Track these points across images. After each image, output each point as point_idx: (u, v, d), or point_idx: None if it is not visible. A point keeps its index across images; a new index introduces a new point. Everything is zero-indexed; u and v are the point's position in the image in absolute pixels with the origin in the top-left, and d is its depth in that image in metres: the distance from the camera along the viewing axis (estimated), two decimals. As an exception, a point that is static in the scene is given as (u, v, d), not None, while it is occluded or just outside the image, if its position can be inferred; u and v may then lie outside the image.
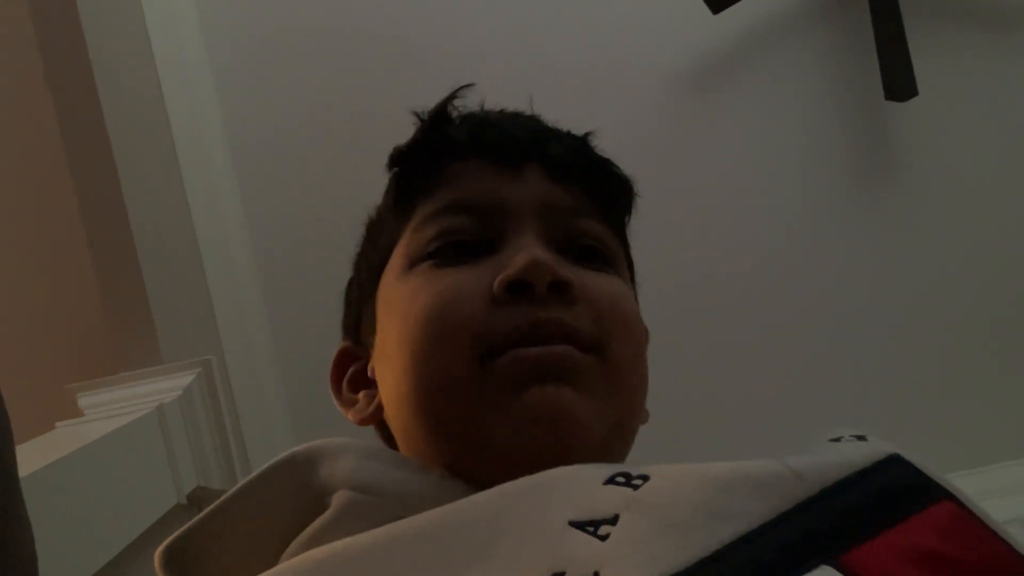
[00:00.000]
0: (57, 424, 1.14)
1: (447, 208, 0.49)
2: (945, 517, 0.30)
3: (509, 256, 0.45)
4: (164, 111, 1.31)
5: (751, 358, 1.48)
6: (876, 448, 0.33)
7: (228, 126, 1.50)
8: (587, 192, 0.51)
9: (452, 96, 0.52)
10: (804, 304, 1.49)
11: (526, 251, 0.44)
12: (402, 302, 0.47)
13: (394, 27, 1.51)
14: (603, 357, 0.44)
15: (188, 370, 1.24)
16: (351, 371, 0.55)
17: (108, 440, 0.98)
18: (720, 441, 1.45)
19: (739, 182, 1.51)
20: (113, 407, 1.16)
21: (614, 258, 0.51)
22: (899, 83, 1.43)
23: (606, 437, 0.44)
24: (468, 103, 0.53)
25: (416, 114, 0.53)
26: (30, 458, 0.82)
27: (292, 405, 1.44)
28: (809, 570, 0.28)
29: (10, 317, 1.47)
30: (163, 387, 1.20)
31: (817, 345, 1.49)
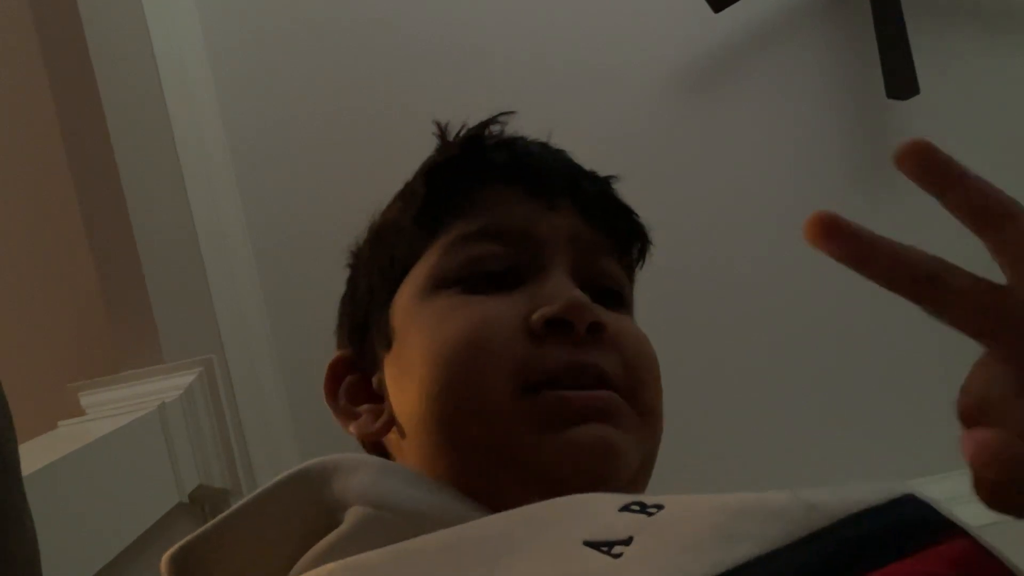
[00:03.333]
0: (59, 423, 1.14)
1: (480, 233, 0.49)
2: (960, 553, 0.30)
3: (545, 290, 0.46)
4: (165, 110, 1.31)
5: (748, 356, 1.48)
6: (891, 487, 0.33)
7: (228, 125, 1.50)
8: (610, 233, 0.52)
9: (492, 119, 0.53)
10: (803, 303, 1.49)
11: (565, 289, 0.46)
12: (431, 322, 0.47)
13: (394, 25, 1.51)
14: (633, 400, 0.46)
15: (189, 369, 1.24)
16: (348, 380, 0.54)
17: (110, 439, 0.98)
18: (718, 439, 1.45)
19: (739, 180, 1.51)
20: (115, 406, 1.16)
21: (627, 299, 0.53)
22: (900, 81, 1.43)
23: (636, 473, 0.45)
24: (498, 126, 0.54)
25: (438, 125, 0.54)
26: (32, 457, 0.82)
27: (293, 404, 1.44)
28: None
29: (12, 316, 1.47)
30: (165, 386, 1.20)
31: (816, 344, 1.49)
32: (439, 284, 0.48)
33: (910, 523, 0.31)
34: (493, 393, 0.44)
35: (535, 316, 0.45)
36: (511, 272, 0.48)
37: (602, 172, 0.56)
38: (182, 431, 1.16)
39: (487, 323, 0.45)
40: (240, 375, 1.32)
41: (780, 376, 1.48)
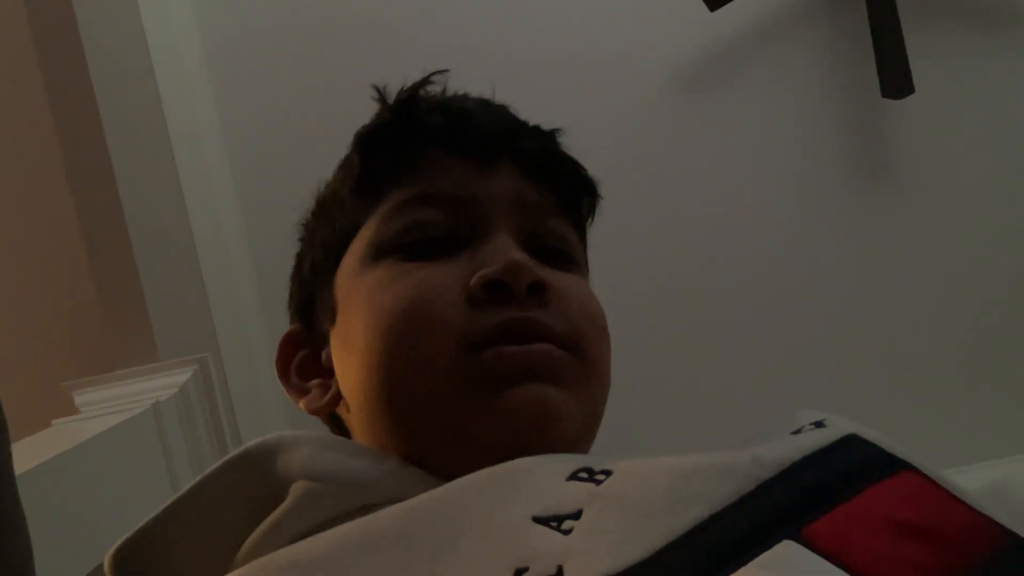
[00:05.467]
0: (53, 421, 1.14)
1: (418, 199, 0.47)
2: (906, 486, 0.31)
3: (485, 254, 0.45)
4: (160, 108, 1.31)
5: (745, 356, 1.49)
6: (834, 430, 0.34)
7: (224, 122, 1.50)
8: (555, 191, 0.50)
9: (425, 80, 0.51)
10: (799, 302, 1.49)
11: (504, 251, 0.44)
12: (371, 293, 0.46)
13: (390, 22, 1.51)
14: (578, 356, 0.44)
15: (184, 368, 1.24)
16: (299, 356, 0.54)
17: (104, 437, 0.98)
18: (712, 438, 1.45)
19: (735, 179, 1.51)
20: (109, 404, 1.16)
21: (577, 258, 0.51)
22: (895, 80, 1.44)
23: (580, 431, 0.44)
24: (434, 86, 0.52)
25: (377, 89, 0.52)
26: (26, 455, 0.82)
27: (288, 403, 1.43)
28: (771, 546, 0.28)
29: (6, 314, 1.46)
30: (159, 384, 1.20)
31: (812, 343, 1.49)
32: (378, 254, 0.47)
33: (853, 463, 0.32)
34: (436, 360, 0.42)
35: (473, 280, 0.43)
36: (452, 238, 0.46)
37: (575, 152, 0.54)
38: (176, 430, 1.16)
39: (426, 290, 0.44)
40: (235, 374, 1.32)
41: (779, 374, 1.48)
